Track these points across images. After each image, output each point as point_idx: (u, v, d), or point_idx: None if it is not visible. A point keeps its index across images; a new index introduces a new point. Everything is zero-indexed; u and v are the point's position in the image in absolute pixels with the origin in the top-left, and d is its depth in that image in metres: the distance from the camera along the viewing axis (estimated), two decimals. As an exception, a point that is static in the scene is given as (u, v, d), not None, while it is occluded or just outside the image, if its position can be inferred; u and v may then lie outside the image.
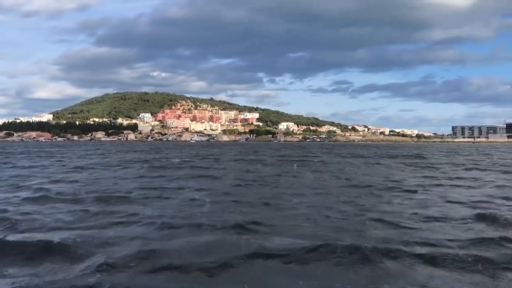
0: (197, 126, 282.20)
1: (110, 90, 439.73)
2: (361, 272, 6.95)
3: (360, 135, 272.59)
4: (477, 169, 31.53)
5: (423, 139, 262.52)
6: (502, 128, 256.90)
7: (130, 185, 18.78)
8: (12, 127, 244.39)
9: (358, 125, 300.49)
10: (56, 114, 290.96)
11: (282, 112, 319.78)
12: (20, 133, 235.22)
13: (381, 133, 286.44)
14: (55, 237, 8.74)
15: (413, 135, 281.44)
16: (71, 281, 6.41)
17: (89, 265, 7.07)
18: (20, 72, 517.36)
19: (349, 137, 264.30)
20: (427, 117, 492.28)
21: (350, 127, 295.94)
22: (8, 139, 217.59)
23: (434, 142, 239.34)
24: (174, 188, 17.79)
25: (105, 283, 6.24)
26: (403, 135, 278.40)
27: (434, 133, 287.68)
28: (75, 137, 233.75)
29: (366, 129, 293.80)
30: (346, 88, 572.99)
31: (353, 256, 7.49)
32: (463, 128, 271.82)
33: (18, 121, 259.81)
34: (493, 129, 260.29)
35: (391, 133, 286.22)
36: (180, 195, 15.71)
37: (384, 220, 10.86)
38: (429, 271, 7.03)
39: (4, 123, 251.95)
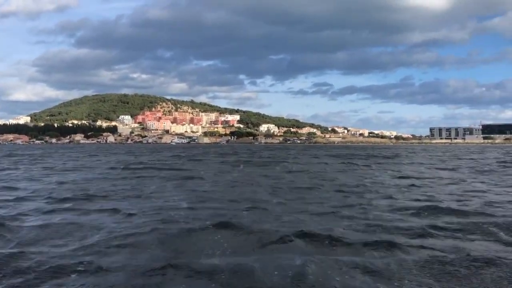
0: (178, 128, 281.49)
1: (89, 92, 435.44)
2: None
3: (340, 137, 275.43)
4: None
5: (401, 140, 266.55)
6: (478, 130, 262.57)
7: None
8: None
9: (338, 127, 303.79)
10: (34, 117, 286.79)
11: (263, 114, 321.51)
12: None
13: (361, 134, 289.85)
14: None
15: (391, 136, 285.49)
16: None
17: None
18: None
19: (329, 138, 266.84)
20: (406, 119, 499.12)
21: (330, 129, 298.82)
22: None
23: (412, 143, 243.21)
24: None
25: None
26: (382, 137, 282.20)
27: (412, 135, 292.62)
28: (54, 140, 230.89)
29: (346, 131, 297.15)
30: (326, 90, 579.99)
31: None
32: (440, 130, 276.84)
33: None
34: (469, 130, 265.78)
35: (370, 134, 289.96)
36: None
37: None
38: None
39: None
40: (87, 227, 10.02)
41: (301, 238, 8.81)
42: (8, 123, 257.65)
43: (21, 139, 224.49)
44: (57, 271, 6.83)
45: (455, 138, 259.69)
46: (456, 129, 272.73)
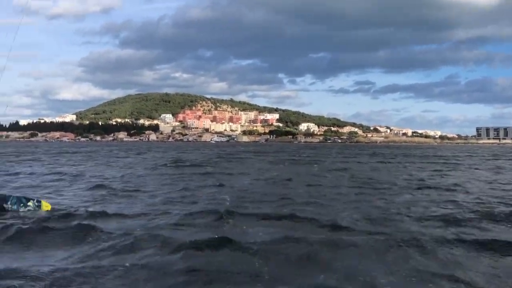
0: (217, 127, 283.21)
1: (132, 91, 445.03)
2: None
3: (382, 136, 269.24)
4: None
5: (446, 140, 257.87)
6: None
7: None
8: (36, 128, 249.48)
9: (380, 126, 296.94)
10: (79, 115, 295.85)
11: (303, 113, 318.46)
12: (44, 133, 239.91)
13: (404, 134, 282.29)
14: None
15: (436, 136, 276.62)
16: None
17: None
18: (45, 74, 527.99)
19: (371, 138, 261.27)
20: (451, 118, 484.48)
21: (372, 128, 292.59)
22: (33, 139, 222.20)
23: (458, 143, 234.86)
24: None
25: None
26: (426, 136, 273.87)
27: (458, 135, 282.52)
28: (98, 138, 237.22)
29: (388, 130, 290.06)
30: (368, 89, 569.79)
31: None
32: (488, 129, 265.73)
33: (42, 121, 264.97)
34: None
35: (414, 134, 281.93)
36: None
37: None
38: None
39: (29, 124, 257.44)
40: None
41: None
42: (55, 121, 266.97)
43: (67, 137, 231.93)
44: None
45: (504, 138, 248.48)
46: (505, 128, 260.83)
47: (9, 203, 10.39)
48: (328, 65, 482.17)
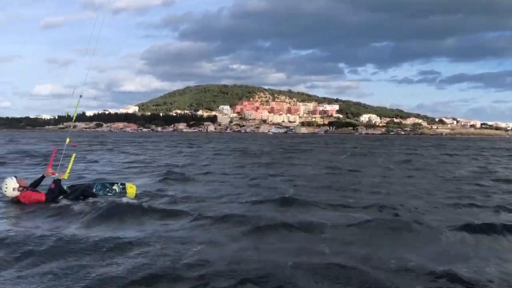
0: (275, 118, 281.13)
1: (191, 83, 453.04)
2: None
3: (448, 128, 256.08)
4: None
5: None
6: None
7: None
8: (101, 118, 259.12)
9: (446, 118, 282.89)
10: (141, 106, 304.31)
11: (364, 104, 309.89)
12: (109, 124, 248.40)
13: (472, 126, 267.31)
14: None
15: (508, 128, 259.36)
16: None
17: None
18: (110, 67, 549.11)
19: (436, 130, 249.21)
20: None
21: (437, 120, 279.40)
22: (98, 129, 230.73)
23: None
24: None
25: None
26: (497, 128, 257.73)
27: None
28: (159, 128, 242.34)
29: (454, 122, 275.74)
30: (433, 79, 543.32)
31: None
32: None
33: (107, 112, 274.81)
34: None
35: (483, 126, 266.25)
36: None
37: None
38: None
39: (94, 115, 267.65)
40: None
41: None
42: (118, 112, 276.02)
43: (130, 127, 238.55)
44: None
45: None
46: None
47: (94, 190, 10.66)
48: (391, 54, 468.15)
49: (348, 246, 6.77)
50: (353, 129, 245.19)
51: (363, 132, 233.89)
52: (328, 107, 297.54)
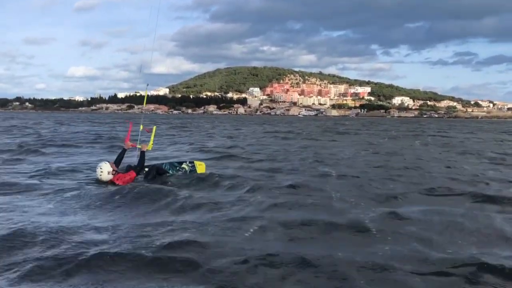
0: (305, 101, 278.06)
1: (221, 65, 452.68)
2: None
3: (484, 111, 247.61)
4: None
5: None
6: None
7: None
8: (133, 100, 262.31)
9: (482, 100, 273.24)
10: (172, 89, 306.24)
11: (397, 86, 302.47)
12: (140, 106, 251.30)
13: (509, 109, 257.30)
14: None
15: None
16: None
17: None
18: (141, 49, 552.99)
19: (472, 113, 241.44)
20: None
21: (472, 103, 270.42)
22: (130, 111, 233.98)
23: None
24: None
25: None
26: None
27: None
28: (189, 110, 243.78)
29: (491, 105, 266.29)
30: (469, 60, 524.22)
31: None
32: None
33: (138, 94, 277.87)
34: None
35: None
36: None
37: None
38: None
39: (126, 96, 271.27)
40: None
41: None
42: (150, 95, 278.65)
43: (161, 109, 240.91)
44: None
45: None
46: None
47: (164, 168, 11.27)
48: (425, 35, 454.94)
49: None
50: (385, 112, 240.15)
51: (396, 115, 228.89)
52: (359, 89, 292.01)
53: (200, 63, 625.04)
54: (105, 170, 10.23)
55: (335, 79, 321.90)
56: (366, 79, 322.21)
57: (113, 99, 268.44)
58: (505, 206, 8.56)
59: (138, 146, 11.00)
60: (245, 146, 22.93)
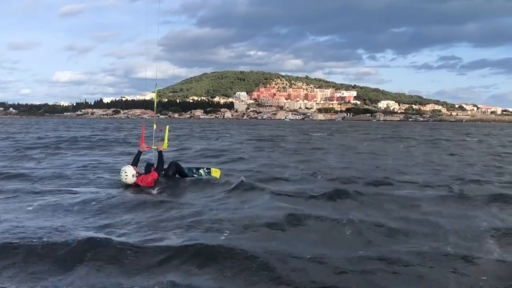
0: (292, 105, 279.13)
1: (209, 70, 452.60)
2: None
3: (468, 115, 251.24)
4: None
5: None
6: None
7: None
8: (118, 105, 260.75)
9: (466, 104, 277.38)
10: (158, 93, 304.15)
11: (382, 90, 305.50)
12: (126, 111, 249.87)
13: (492, 112, 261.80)
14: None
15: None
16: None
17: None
18: (128, 53, 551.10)
19: (456, 116, 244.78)
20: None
21: (457, 106, 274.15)
22: (116, 116, 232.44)
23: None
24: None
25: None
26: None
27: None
28: (176, 115, 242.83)
29: (475, 108, 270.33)
30: (453, 64, 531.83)
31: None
32: None
33: (124, 99, 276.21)
34: None
35: (504, 112, 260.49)
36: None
37: None
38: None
39: (112, 101, 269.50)
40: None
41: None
42: (136, 99, 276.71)
43: (147, 114, 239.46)
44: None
45: None
46: None
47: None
48: (410, 39, 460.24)
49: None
50: (371, 116, 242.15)
51: (381, 119, 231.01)
52: (345, 94, 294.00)
53: (187, 68, 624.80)
54: (129, 174, 10.41)
55: (322, 83, 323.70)
56: (352, 83, 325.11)
57: (99, 104, 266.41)
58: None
59: (154, 147, 11.33)
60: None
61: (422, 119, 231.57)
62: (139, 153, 11.22)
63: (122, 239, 6.03)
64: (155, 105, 14.75)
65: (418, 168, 15.14)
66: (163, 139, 11.59)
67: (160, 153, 11.07)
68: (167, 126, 11.90)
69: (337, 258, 5.52)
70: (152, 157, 11.86)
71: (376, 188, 10.71)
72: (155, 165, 11.00)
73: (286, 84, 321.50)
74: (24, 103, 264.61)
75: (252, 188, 10.06)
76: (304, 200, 9.09)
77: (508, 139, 40.86)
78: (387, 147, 28.19)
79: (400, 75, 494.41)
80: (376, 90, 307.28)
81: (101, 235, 6.16)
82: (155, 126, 11.78)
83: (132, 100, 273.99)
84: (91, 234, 6.17)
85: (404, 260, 5.47)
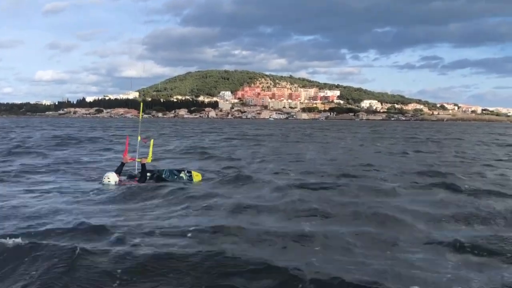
0: (276, 104, 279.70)
1: (193, 69, 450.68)
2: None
3: (449, 114, 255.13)
4: None
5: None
6: None
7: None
8: (101, 104, 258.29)
9: (447, 103, 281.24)
10: (142, 92, 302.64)
11: (365, 90, 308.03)
12: (109, 110, 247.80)
13: (473, 111, 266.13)
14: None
15: (509, 114, 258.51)
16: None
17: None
18: (111, 52, 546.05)
19: (438, 115, 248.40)
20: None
21: (438, 105, 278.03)
22: (98, 115, 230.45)
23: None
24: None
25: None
26: (498, 114, 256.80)
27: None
28: (160, 114, 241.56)
29: (456, 108, 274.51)
30: (435, 64, 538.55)
31: None
32: None
33: (107, 98, 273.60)
34: None
35: (484, 112, 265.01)
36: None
37: None
38: None
39: (94, 100, 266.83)
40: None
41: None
42: (119, 98, 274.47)
43: (131, 113, 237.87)
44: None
45: None
46: None
47: (164, 175, 11.73)
48: (393, 39, 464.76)
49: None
50: (354, 115, 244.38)
51: (364, 118, 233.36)
52: (329, 93, 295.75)
53: (171, 67, 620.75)
54: (112, 180, 10.97)
55: (306, 83, 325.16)
56: (336, 83, 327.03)
57: (82, 103, 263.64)
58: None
59: (137, 160, 11.79)
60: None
61: (404, 118, 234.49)
62: (122, 164, 11.64)
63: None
64: (140, 114, 15.08)
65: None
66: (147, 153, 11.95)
67: (143, 165, 11.41)
68: (152, 140, 12.39)
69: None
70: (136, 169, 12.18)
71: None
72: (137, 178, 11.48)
73: (271, 84, 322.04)
74: (5, 102, 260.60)
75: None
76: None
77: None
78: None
79: (383, 74, 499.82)
80: (359, 89, 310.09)
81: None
82: (139, 138, 12.22)
83: (116, 99, 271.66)
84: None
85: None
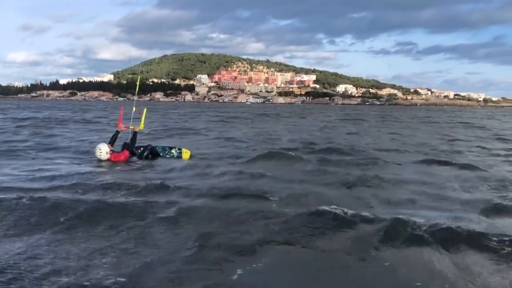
0: (253, 88, 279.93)
1: (169, 52, 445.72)
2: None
3: (422, 99, 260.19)
4: None
5: (490, 104, 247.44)
6: None
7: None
8: (75, 87, 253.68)
9: (421, 88, 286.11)
10: (117, 75, 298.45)
11: (341, 74, 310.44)
12: (83, 93, 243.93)
13: (445, 96, 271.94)
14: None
15: (479, 99, 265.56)
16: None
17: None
18: (86, 34, 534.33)
19: (411, 100, 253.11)
20: (496, 81, 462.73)
21: (412, 90, 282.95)
22: (72, 98, 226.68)
23: (503, 107, 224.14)
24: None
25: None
26: (469, 99, 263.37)
27: (503, 98, 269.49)
28: (135, 97, 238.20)
29: (429, 93, 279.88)
30: (410, 50, 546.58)
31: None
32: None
33: (81, 80, 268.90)
34: None
35: (456, 97, 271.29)
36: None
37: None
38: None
39: (68, 83, 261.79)
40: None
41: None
42: (93, 80, 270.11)
43: (105, 96, 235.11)
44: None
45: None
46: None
47: (158, 150, 12.94)
48: (369, 25, 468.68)
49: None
50: (330, 100, 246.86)
51: (339, 103, 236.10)
52: (305, 77, 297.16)
53: (147, 50, 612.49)
54: (103, 151, 11.63)
55: (282, 67, 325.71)
56: (312, 68, 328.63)
57: (55, 86, 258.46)
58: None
59: (131, 127, 12.66)
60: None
61: (378, 103, 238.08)
62: (117, 132, 12.42)
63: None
64: (137, 89, 16.71)
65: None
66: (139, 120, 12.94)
67: (135, 133, 12.35)
68: (145, 109, 13.39)
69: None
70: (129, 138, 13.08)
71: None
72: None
73: (247, 68, 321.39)
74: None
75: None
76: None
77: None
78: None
79: (358, 59, 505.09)
80: (335, 74, 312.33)
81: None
82: (134, 109, 13.09)
83: (90, 81, 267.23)
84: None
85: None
